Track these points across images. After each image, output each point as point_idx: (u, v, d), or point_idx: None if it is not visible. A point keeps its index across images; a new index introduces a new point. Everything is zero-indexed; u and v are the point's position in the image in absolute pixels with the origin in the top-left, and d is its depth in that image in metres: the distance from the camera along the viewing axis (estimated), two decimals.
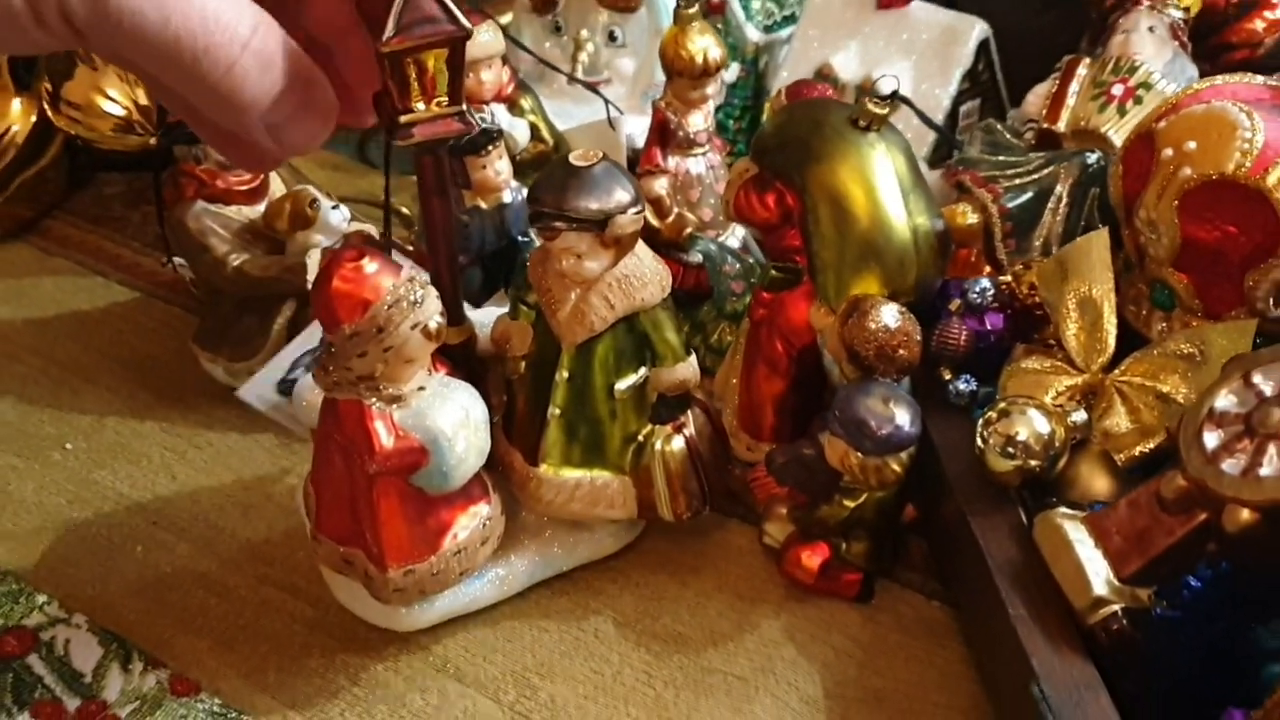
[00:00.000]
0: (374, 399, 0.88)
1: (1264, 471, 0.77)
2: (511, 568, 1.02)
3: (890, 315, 0.95)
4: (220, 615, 1.06)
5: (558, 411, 0.98)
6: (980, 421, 0.95)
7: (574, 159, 0.91)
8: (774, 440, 1.11)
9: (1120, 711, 0.80)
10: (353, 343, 0.85)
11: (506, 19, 1.67)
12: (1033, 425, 0.93)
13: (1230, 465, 0.79)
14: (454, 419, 0.90)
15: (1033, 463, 0.93)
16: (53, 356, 1.36)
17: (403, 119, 0.86)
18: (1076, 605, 0.84)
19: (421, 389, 0.90)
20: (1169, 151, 0.92)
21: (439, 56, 0.83)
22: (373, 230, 1.25)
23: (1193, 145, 0.90)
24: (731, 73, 1.55)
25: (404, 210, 1.46)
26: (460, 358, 1.01)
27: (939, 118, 1.37)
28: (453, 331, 1.00)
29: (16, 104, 1.59)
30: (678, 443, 1.00)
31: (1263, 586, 0.80)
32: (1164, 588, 0.82)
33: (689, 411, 1.02)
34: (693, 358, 0.99)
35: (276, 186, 1.26)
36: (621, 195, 0.90)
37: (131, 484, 1.19)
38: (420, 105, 0.86)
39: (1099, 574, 0.84)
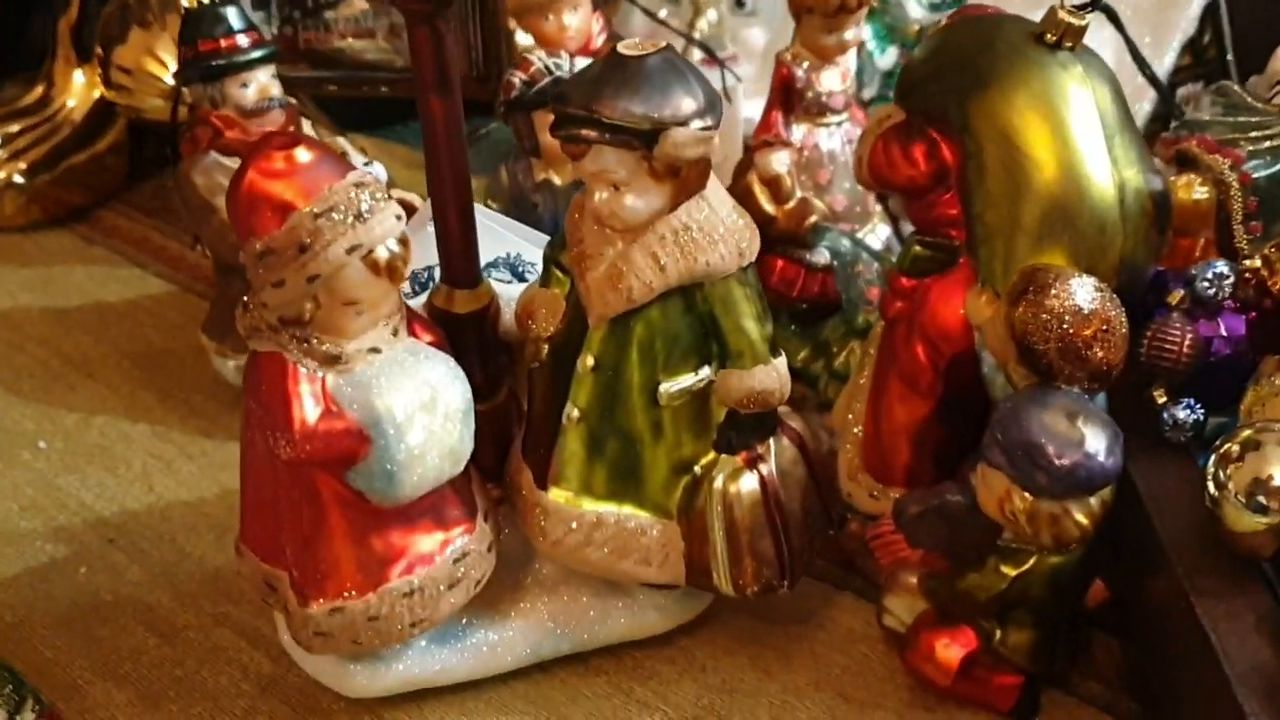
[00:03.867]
0: (302, 356, 0.62)
1: None
2: (506, 634, 0.74)
3: (1083, 292, 0.66)
4: (155, 661, 0.83)
5: (577, 413, 0.70)
6: (1213, 459, 0.64)
7: (623, 47, 0.65)
8: (908, 485, 0.82)
9: None
10: (266, 264, 0.61)
11: None
12: None
13: None
14: (411, 398, 0.64)
15: None
16: (59, 348, 1.18)
17: None
18: None
19: (375, 351, 0.63)
20: None
21: None
22: (416, 200, 1.02)
23: None
24: (887, 58, 1.29)
25: (490, 205, 1.23)
26: (471, 335, 0.74)
27: (1149, 103, 1.07)
28: (460, 295, 0.74)
29: (79, 76, 1.43)
30: (748, 482, 0.71)
31: None
32: None
33: (771, 440, 0.73)
34: (781, 360, 0.71)
35: None
36: (684, 100, 0.63)
37: (99, 493, 0.98)
38: None
39: None
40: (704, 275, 0.67)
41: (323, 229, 0.60)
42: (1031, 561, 0.68)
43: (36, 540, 0.93)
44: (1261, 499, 0.61)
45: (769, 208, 1.01)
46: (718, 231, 0.67)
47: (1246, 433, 0.63)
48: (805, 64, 0.99)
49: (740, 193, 1.03)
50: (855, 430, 0.86)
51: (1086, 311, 0.65)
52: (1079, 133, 0.72)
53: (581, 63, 1.05)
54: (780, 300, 1.05)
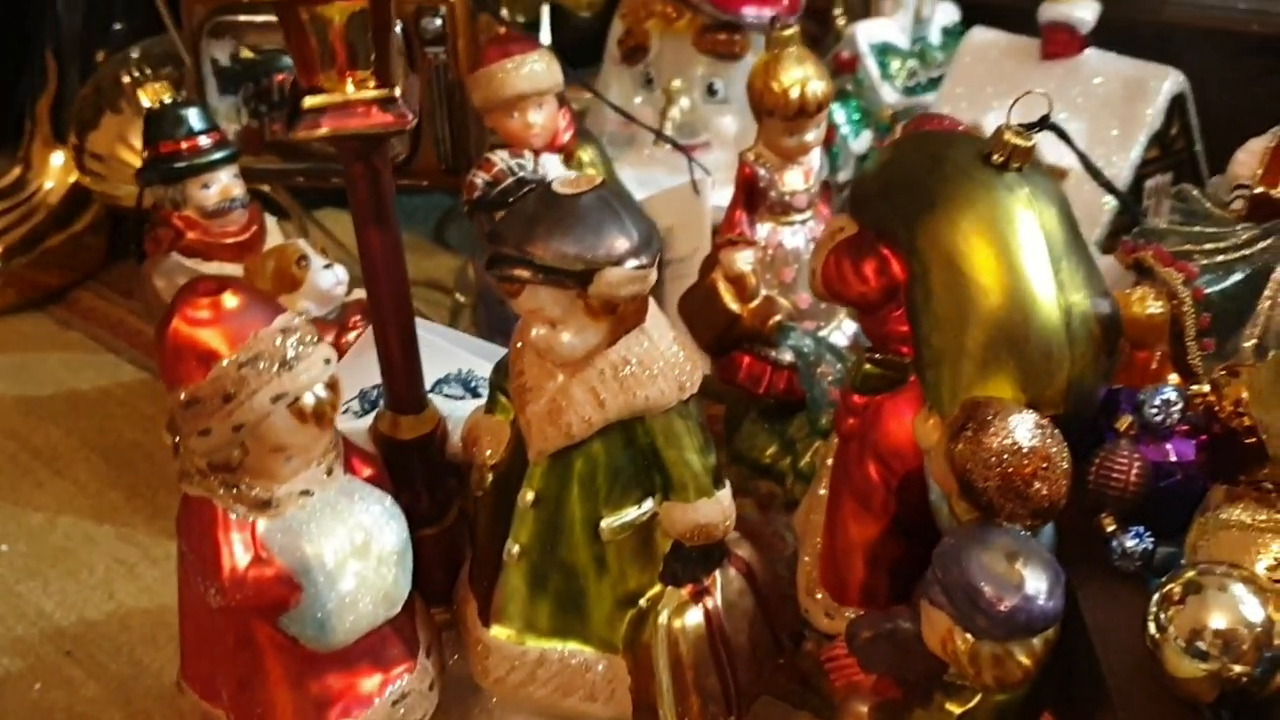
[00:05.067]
0: (232, 501, 0.62)
1: None
2: None
3: (1023, 429, 0.65)
4: None
5: (518, 550, 0.70)
6: (1155, 599, 0.63)
7: (558, 185, 0.64)
8: (863, 604, 0.81)
9: None
10: (192, 413, 0.60)
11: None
12: (1237, 610, 0.60)
13: None
14: (342, 543, 0.63)
15: (1236, 668, 0.60)
16: (28, 442, 1.18)
17: (306, 102, 0.62)
18: None
19: (306, 494, 0.63)
20: None
21: (343, 11, 0.59)
22: None
23: None
24: (862, 141, 1.29)
25: (459, 298, 1.23)
26: (416, 461, 0.74)
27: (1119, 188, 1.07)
28: (405, 421, 0.74)
29: (57, 158, 1.44)
30: (693, 617, 0.70)
31: None
32: None
33: (718, 571, 0.72)
34: (725, 491, 0.70)
35: (275, 239, 1.04)
36: (617, 239, 0.63)
37: (59, 601, 0.98)
38: (334, 84, 0.62)
39: None
40: (644, 409, 0.67)
41: (247, 378, 0.60)
42: (977, 699, 0.67)
43: None
44: (1201, 645, 0.60)
45: (734, 306, 1.00)
46: (657, 365, 0.67)
47: (1189, 574, 0.62)
48: (768, 164, 0.99)
49: (706, 291, 1.03)
50: (816, 541, 0.85)
51: (1026, 449, 0.64)
52: (1025, 257, 0.71)
53: (547, 159, 1.06)
54: (747, 396, 1.05)
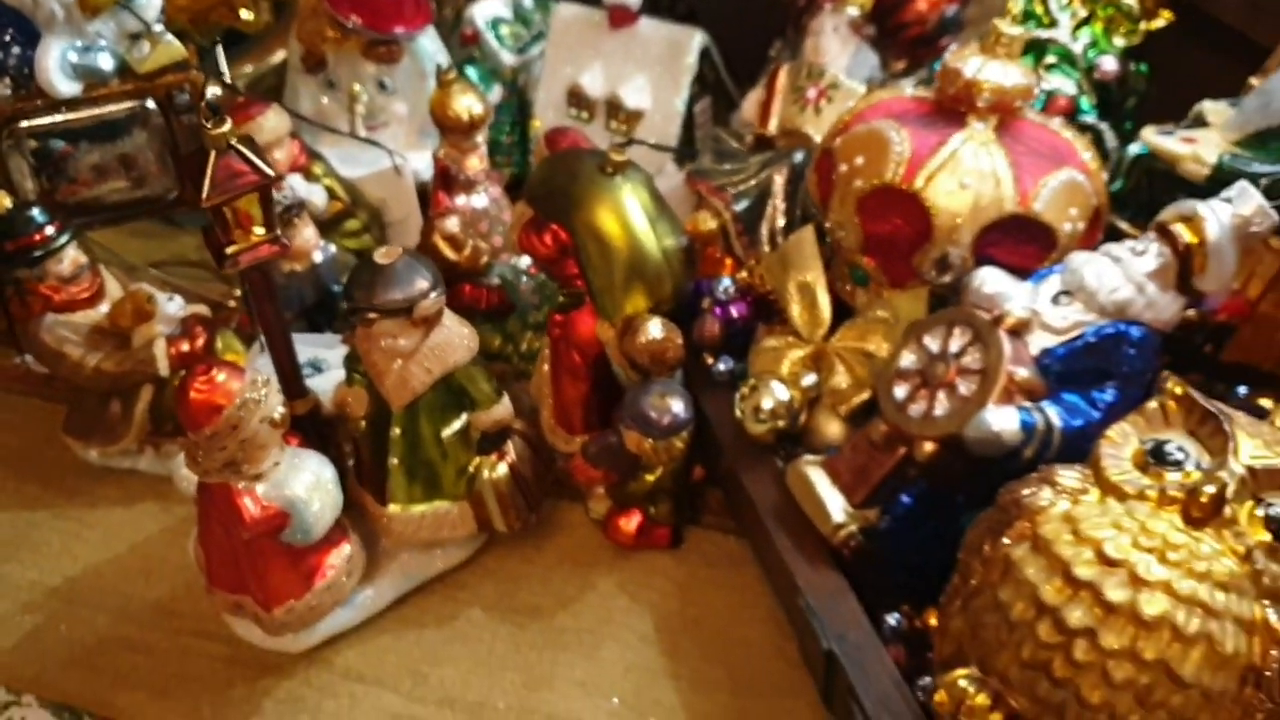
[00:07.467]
0: (239, 480, 1.07)
1: (937, 412, 1.04)
2: (378, 589, 1.22)
3: (656, 329, 1.19)
4: (149, 669, 1.20)
5: (396, 461, 1.18)
6: (736, 397, 1.20)
7: (378, 257, 1.11)
8: (585, 432, 1.32)
9: (866, 605, 1.06)
10: (213, 441, 1.04)
11: (278, 57, 1.80)
12: (775, 395, 1.18)
13: (915, 410, 1.06)
14: (307, 483, 1.09)
15: (780, 424, 1.18)
16: None
17: (228, 250, 1.05)
18: (823, 531, 1.11)
19: (277, 464, 1.09)
20: (844, 167, 1.17)
21: (251, 200, 1.02)
22: (205, 311, 1.42)
23: (860, 161, 1.15)
24: (495, 94, 1.74)
25: (236, 294, 1.60)
26: (309, 424, 1.21)
27: (676, 121, 1.60)
28: (299, 404, 1.20)
29: None
30: (502, 469, 1.22)
31: (952, 494, 1.07)
32: (885, 506, 1.09)
33: (509, 440, 1.24)
34: (505, 399, 1.20)
35: (112, 287, 1.40)
36: (421, 283, 1.10)
37: (40, 571, 1.31)
38: (242, 238, 1.05)
39: (836, 505, 1.10)
40: (454, 367, 1.15)
41: (243, 415, 1.03)
42: (660, 469, 1.23)
43: (14, 617, 1.22)
44: (761, 416, 1.18)
45: (451, 255, 1.47)
46: (454, 341, 1.15)
47: (751, 381, 1.20)
48: (453, 159, 1.45)
49: (429, 249, 1.50)
50: (548, 401, 1.38)
51: (661, 338, 1.19)
52: (635, 225, 1.21)
53: (292, 179, 1.48)
54: (470, 312, 1.54)
